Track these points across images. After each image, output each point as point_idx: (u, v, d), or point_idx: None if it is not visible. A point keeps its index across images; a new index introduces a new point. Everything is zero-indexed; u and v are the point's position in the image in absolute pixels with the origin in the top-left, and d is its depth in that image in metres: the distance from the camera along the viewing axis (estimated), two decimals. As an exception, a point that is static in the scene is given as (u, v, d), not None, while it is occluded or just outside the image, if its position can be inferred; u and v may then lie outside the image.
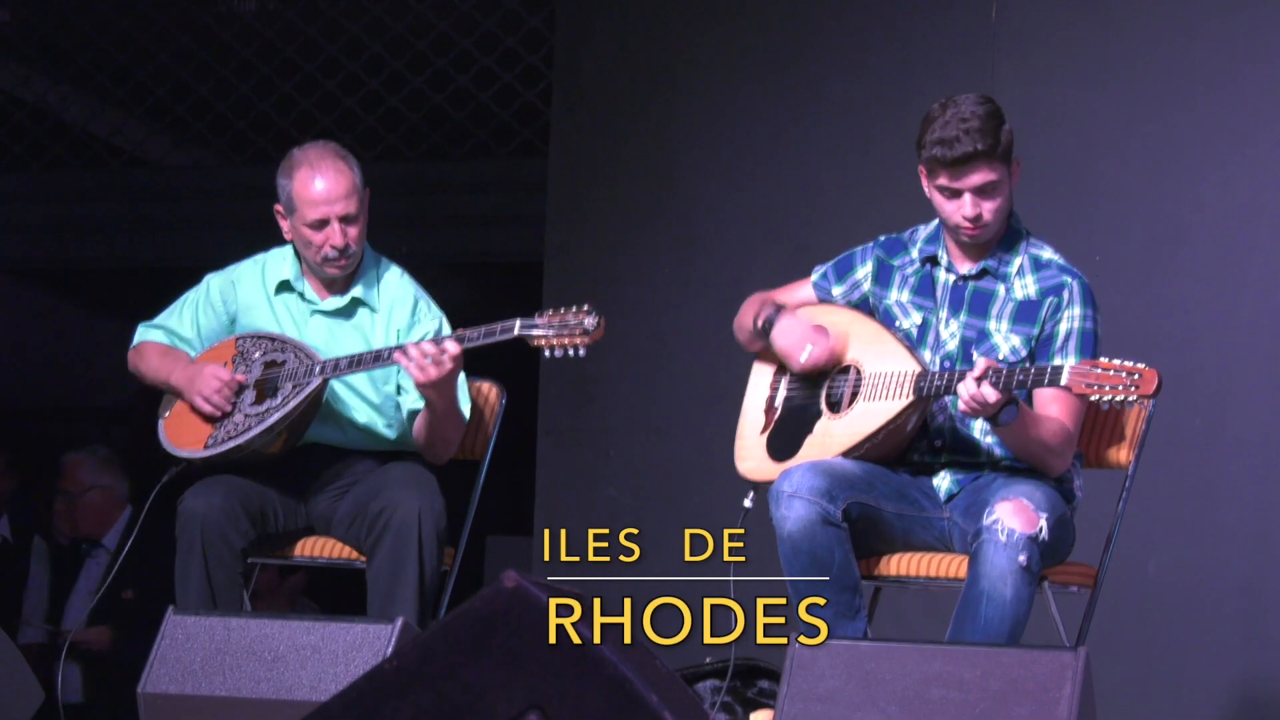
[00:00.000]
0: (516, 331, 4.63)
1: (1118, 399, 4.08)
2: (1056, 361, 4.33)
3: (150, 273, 8.45)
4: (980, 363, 4.21)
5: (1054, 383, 4.17)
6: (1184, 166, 5.84)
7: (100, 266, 9.30)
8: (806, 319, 4.59)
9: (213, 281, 5.07)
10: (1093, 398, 4.10)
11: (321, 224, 4.86)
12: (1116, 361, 4.10)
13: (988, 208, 4.40)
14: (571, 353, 4.61)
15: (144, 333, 5.07)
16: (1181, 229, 5.84)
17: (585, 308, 4.60)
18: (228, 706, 4.21)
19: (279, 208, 4.94)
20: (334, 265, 4.90)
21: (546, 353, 4.62)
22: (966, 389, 4.19)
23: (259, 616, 4.38)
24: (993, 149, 4.36)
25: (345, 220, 4.86)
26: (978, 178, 4.38)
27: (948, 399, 4.45)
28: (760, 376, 4.72)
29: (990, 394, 4.17)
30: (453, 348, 4.67)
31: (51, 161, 8.82)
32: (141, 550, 5.11)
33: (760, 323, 4.62)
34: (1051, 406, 4.38)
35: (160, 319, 5.07)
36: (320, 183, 4.86)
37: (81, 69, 8.68)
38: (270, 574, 7.44)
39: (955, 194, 4.40)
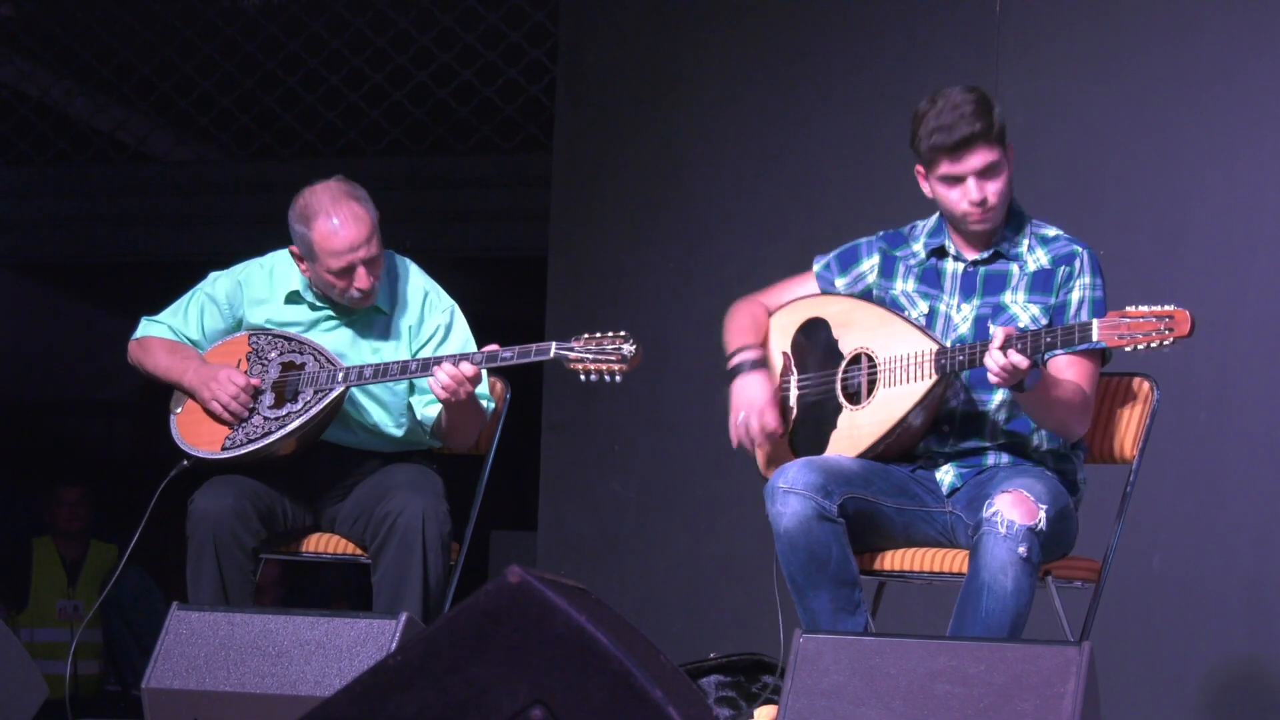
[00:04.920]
0: (553, 354, 4.61)
1: (1153, 345, 4.06)
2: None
3: (154, 267, 8.46)
4: (999, 332, 4.20)
5: (1085, 339, 4.15)
6: (1188, 160, 5.84)
7: (104, 261, 9.32)
8: (770, 385, 4.56)
9: (219, 280, 5.04)
10: (1127, 349, 4.09)
11: (346, 271, 4.82)
12: (1144, 308, 4.09)
13: (991, 190, 4.41)
14: (608, 379, 4.59)
15: (147, 326, 5.03)
16: (1185, 223, 5.84)
17: (623, 334, 4.59)
18: (232, 702, 4.21)
19: (294, 249, 4.89)
20: (358, 303, 4.88)
21: (582, 377, 4.60)
22: (995, 359, 4.17)
23: (263, 612, 4.37)
24: (989, 130, 4.38)
25: (368, 264, 4.82)
26: (978, 159, 4.39)
27: (961, 381, 4.44)
28: None
29: (1020, 360, 4.16)
30: (468, 369, 4.65)
31: (55, 156, 8.84)
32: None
33: (730, 365, 4.62)
34: (1066, 372, 4.38)
35: (165, 315, 5.02)
36: (342, 233, 4.78)
37: (85, 64, 8.68)
38: (271, 568, 7.46)
39: (957, 181, 4.40)
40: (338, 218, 4.79)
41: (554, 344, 4.61)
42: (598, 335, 4.59)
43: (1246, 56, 5.80)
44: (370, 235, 4.80)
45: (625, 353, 4.56)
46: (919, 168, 4.48)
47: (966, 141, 4.37)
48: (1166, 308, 4.07)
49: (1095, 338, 4.13)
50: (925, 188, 4.49)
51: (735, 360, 4.60)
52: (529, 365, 4.78)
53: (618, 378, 4.58)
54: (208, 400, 4.83)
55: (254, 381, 4.82)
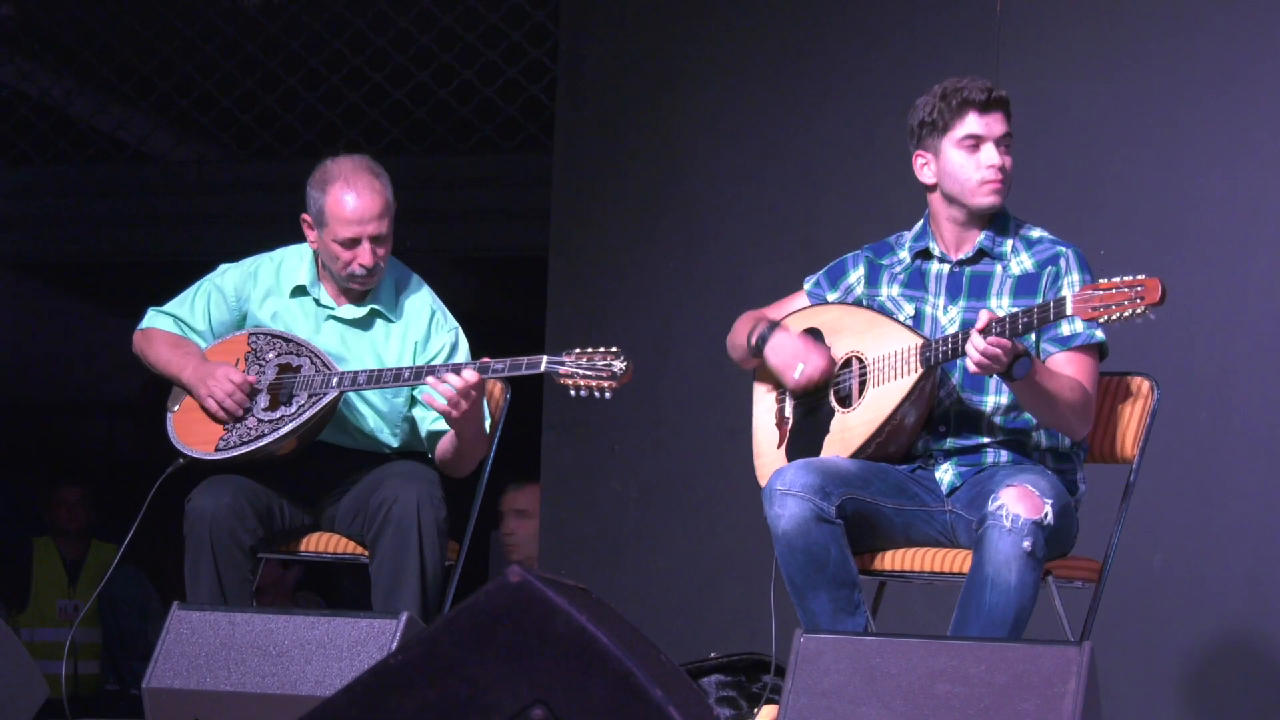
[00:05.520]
0: (543, 367, 4.61)
1: (1125, 314, 4.07)
2: (1063, 292, 4.35)
3: (155, 267, 8.45)
4: (982, 315, 4.22)
5: (1059, 314, 4.17)
6: (1188, 160, 5.84)
7: (105, 261, 9.31)
8: (799, 334, 4.58)
9: (228, 274, 5.04)
10: (1101, 320, 4.10)
11: (352, 243, 4.84)
12: (1116, 279, 4.10)
13: (1008, 162, 4.47)
14: (598, 395, 4.58)
15: (153, 317, 5.03)
16: (1186, 223, 5.84)
17: (614, 350, 4.58)
18: (232, 701, 4.21)
19: (306, 218, 4.91)
20: (358, 282, 4.89)
21: (571, 393, 4.60)
22: (975, 345, 4.19)
23: (264, 611, 4.37)
24: (1009, 106, 4.48)
25: (375, 240, 4.85)
26: (1002, 125, 4.46)
27: (953, 383, 4.45)
28: (763, 392, 4.70)
29: (999, 342, 4.16)
30: (471, 377, 4.64)
31: (56, 156, 8.83)
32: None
33: (754, 339, 4.62)
34: (1066, 369, 4.38)
35: (171, 306, 5.03)
36: (355, 202, 4.83)
37: (86, 64, 8.68)
38: (273, 568, 7.46)
39: (976, 147, 4.44)
40: (354, 187, 4.85)
41: (545, 358, 4.61)
42: (589, 350, 4.59)
43: (1247, 57, 5.80)
44: (382, 213, 4.85)
45: (616, 369, 4.56)
46: (920, 153, 4.50)
47: (999, 102, 4.46)
48: (1138, 276, 4.08)
49: (1069, 311, 4.14)
50: (928, 171, 4.50)
51: (754, 337, 4.61)
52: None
53: (607, 394, 4.58)
54: (204, 397, 4.84)
55: (250, 379, 4.83)
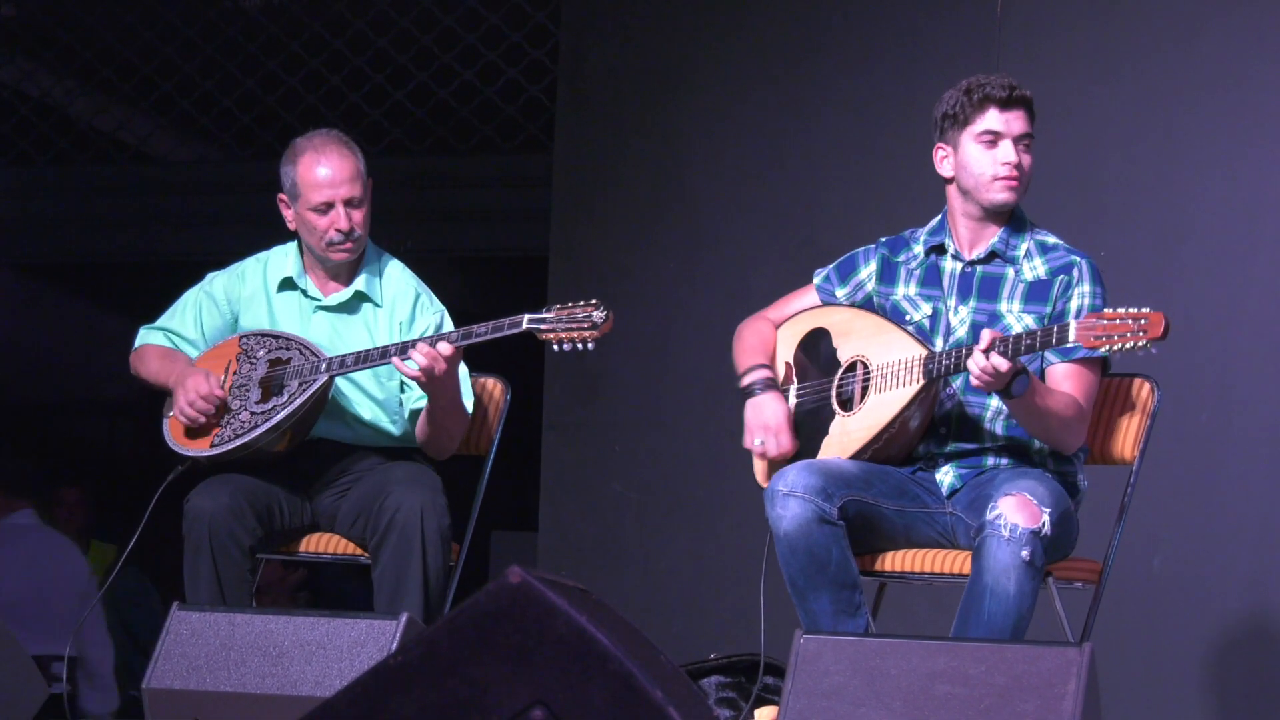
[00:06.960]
0: (525, 326, 4.63)
1: (1127, 346, 4.07)
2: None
3: (155, 268, 8.45)
4: (985, 334, 4.22)
5: (1062, 341, 4.17)
6: (1189, 161, 5.84)
7: (105, 261, 9.31)
8: (784, 410, 4.58)
9: (216, 280, 5.07)
10: (1102, 350, 4.10)
11: (326, 207, 4.87)
12: (1121, 310, 4.10)
13: (1025, 160, 4.45)
14: (580, 346, 4.61)
15: (145, 335, 5.07)
16: (1187, 224, 5.84)
17: (593, 301, 4.61)
18: (232, 702, 4.22)
19: (282, 197, 4.95)
20: (339, 250, 4.91)
21: (555, 347, 4.62)
22: (976, 362, 4.19)
23: (264, 612, 4.37)
24: (1032, 105, 4.46)
25: (350, 204, 4.88)
26: (1022, 123, 4.45)
27: (955, 388, 4.45)
28: None
29: (1001, 363, 4.16)
30: (445, 349, 4.66)
31: (57, 156, 8.83)
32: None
33: (742, 385, 4.63)
34: (1064, 383, 4.38)
35: (162, 321, 5.06)
36: (325, 167, 4.88)
37: (87, 64, 8.68)
38: (273, 569, 7.45)
39: (994, 143, 4.43)
40: (324, 153, 4.90)
41: (525, 316, 4.64)
42: (569, 305, 4.61)
43: (1248, 57, 5.80)
44: (353, 176, 4.89)
45: (596, 319, 4.58)
46: (940, 145, 4.49)
47: (1020, 100, 4.45)
48: (1142, 309, 4.08)
49: (1072, 338, 4.14)
50: (947, 164, 4.49)
51: (747, 381, 4.62)
52: (529, 362, 4.78)
53: (590, 345, 4.61)
54: (176, 406, 4.86)
55: (218, 393, 4.83)
